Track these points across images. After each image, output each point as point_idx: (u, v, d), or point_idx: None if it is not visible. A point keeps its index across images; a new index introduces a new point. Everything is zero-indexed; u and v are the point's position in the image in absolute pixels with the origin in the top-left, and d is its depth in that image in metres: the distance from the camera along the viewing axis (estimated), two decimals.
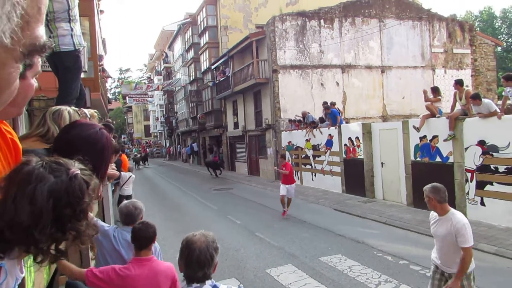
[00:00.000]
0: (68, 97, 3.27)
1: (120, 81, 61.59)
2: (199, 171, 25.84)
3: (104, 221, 4.47)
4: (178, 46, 35.23)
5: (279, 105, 17.58)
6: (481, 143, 8.24)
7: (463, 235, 3.38)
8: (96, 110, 3.27)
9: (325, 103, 14.90)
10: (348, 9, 18.58)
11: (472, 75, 20.49)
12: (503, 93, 8.60)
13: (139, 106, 55.74)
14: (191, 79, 30.79)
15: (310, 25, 18.12)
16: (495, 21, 41.89)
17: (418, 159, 10.01)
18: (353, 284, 5.56)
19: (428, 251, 3.95)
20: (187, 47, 31.44)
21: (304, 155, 15.60)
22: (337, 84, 18.39)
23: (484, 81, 21.11)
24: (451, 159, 9.05)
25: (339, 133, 13.27)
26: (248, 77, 19.19)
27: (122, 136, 60.57)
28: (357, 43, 18.61)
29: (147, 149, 45.89)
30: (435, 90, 9.98)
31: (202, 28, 26.84)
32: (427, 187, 3.63)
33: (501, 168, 7.85)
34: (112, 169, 3.03)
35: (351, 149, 12.67)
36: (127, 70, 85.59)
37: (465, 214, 3.80)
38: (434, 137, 9.49)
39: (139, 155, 35.51)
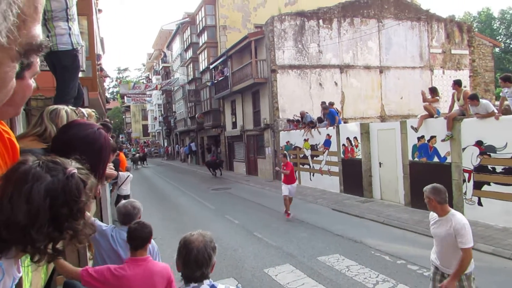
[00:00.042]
0: (66, 96, 3.26)
1: (118, 80, 61.46)
2: (197, 171, 25.83)
3: (102, 220, 4.46)
4: (177, 46, 35.19)
5: (278, 105, 17.59)
6: (479, 143, 8.27)
7: (463, 236, 3.37)
8: (94, 110, 3.26)
9: (323, 103, 14.93)
10: (346, 9, 18.60)
11: (470, 76, 20.54)
12: (500, 94, 8.63)
13: (137, 106, 55.64)
14: (190, 79, 30.76)
15: (309, 25, 18.13)
16: (493, 22, 41.96)
17: (416, 159, 10.03)
18: (350, 284, 5.57)
19: (426, 250, 3.96)
20: (185, 47, 31.41)
21: (302, 155, 15.61)
22: (336, 84, 18.41)
23: (482, 82, 21.16)
24: (448, 159, 9.07)
25: (337, 133, 13.28)
26: (246, 77, 19.19)
27: (120, 136, 60.45)
28: (355, 43, 18.63)
29: (145, 149, 45.84)
30: (433, 91, 10.00)
31: (201, 28, 26.83)
32: (427, 188, 3.59)
33: (499, 169, 7.88)
34: (110, 169, 3.03)
35: (349, 149, 12.69)
36: (126, 69, 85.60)
37: (462, 214, 3.80)
38: (432, 137, 9.52)
39: (137, 154, 35.45)
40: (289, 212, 9.91)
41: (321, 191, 13.79)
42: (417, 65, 19.65)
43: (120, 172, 8.13)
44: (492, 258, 6.37)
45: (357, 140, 12.27)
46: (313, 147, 14.83)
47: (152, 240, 3.13)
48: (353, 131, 12.45)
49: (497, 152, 7.87)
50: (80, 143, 1.35)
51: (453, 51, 20.25)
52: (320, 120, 14.77)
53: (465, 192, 8.65)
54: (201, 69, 28.08)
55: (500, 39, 39.57)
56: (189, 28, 29.86)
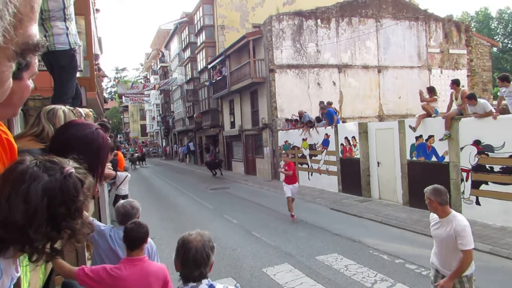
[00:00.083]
0: (64, 96, 3.25)
1: (116, 80, 61.34)
2: (196, 171, 25.81)
3: (100, 220, 4.45)
4: (175, 46, 35.15)
5: (276, 104, 17.59)
6: (477, 143, 8.29)
7: (464, 238, 3.33)
8: (91, 110, 3.26)
9: (321, 102, 14.94)
10: (345, 9, 18.62)
11: (468, 76, 20.59)
12: (498, 94, 8.66)
13: (136, 106, 55.57)
14: (188, 79, 30.74)
15: (307, 25, 18.14)
16: (491, 21, 42.08)
17: (414, 158, 10.06)
18: (349, 283, 5.57)
19: (424, 250, 3.97)
20: (183, 47, 31.39)
21: (300, 155, 15.62)
22: (334, 83, 18.43)
23: (479, 82, 21.22)
24: (446, 159, 9.09)
25: (336, 132, 13.30)
26: (244, 77, 19.19)
27: (118, 136, 60.33)
28: (353, 43, 18.65)
29: (144, 149, 45.79)
30: (431, 90, 10.03)
31: (199, 28, 26.81)
32: (428, 189, 3.53)
33: (496, 168, 7.91)
34: (108, 169, 3.02)
35: (348, 148, 12.71)
36: (124, 69, 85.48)
37: (460, 213, 3.79)
38: (430, 136, 9.54)
39: (135, 154, 35.40)
40: (293, 214, 9.77)
41: (319, 191, 13.80)
42: (415, 64, 19.68)
43: (118, 172, 8.11)
44: (490, 257, 6.39)
45: (355, 140, 12.29)
46: (311, 147, 14.84)
47: (151, 240, 3.13)
48: (351, 131, 12.46)
49: (495, 151, 7.90)
50: (78, 143, 1.35)
51: (451, 51, 20.29)
52: (318, 119, 14.78)
53: (463, 191, 8.68)
54: (199, 69, 28.07)
55: (498, 39, 39.70)
56: (187, 27, 29.84)
